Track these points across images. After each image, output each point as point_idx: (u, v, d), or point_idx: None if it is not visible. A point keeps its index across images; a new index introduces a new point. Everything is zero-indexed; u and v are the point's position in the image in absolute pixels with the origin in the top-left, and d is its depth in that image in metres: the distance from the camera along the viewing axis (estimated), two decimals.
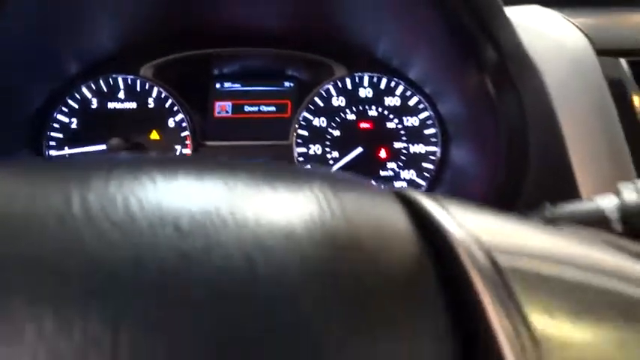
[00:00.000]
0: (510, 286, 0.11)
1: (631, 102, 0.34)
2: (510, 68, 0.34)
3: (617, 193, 0.23)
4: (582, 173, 0.31)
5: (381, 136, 0.52)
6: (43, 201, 0.10)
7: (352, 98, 0.52)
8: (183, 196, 0.11)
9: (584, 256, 0.12)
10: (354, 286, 0.10)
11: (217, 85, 0.54)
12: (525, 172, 0.31)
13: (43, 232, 0.10)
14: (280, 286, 0.10)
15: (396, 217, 0.12)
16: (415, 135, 0.52)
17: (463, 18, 0.31)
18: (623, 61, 0.36)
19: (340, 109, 0.52)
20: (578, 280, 0.11)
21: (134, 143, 0.50)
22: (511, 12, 0.36)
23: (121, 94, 0.51)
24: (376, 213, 0.12)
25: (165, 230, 0.10)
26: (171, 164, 0.12)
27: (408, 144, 0.52)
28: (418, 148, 0.52)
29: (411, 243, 0.11)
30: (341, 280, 0.10)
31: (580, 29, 0.37)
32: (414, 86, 0.51)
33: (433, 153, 0.51)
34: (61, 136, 0.50)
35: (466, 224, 0.12)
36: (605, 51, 0.36)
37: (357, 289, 0.10)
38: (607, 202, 0.23)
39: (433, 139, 0.52)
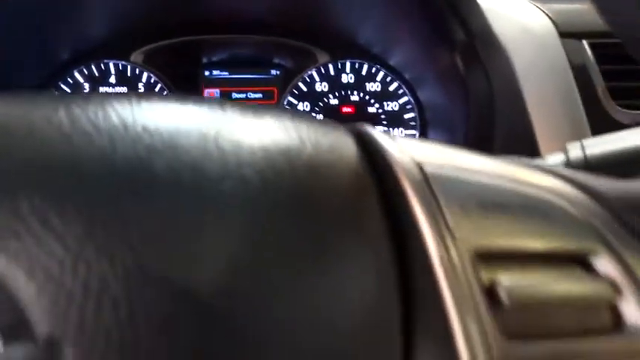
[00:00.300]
0: (433, 188, 0.13)
1: (591, 80, 0.37)
2: (478, 48, 0.36)
3: (565, 151, 0.25)
4: (544, 142, 0.34)
5: (362, 120, 0.54)
6: (37, 112, 0.12)
7: (335, 84, 0.54)
8: (156, 113, 0.13)
9: (498, 167, 0.14)
10: (305, 195, 0.12)
11: (206, 73, 0.55)
12: (492, 140, 0.33)
13: (36, 137, 0.11)
14: (238, 189, 0.12)
15: (346, 143, 0.14)
16: (395, 119, 0.54)
17: (436, 2, 0.33)
18: (585, 43, 0.38)
19: (323, 95, 0.54)
20: (488, 182, 0.13)
21: None
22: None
23: (112, 79, 0.53)
24: (329, 139, 0.14)
25: (135, 130, 0.12)
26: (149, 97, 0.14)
27: (388, 128, 0.54)
28: (397, 132, 0.54)
29: (357, 163, 0.13)
30: (293, 190, 0.12)
31: (546, 14, 0.40)
32: (394, 72, 0.54)
33: (412, 136, 0.54)
34: None
35: (406, 148, 0.14)
36: (568, 34, 0.38)
37: (308, 199, 0.12)
38: (554, 159, 0.25)
39: (412, 123, 0.54)
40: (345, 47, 0.54)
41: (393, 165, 0.13)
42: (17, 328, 0.10)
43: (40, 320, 0.09)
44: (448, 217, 0.12)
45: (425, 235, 0.12)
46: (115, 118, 0.12)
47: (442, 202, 0.12)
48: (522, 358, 0.11)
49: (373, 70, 0.54)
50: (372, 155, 0.14)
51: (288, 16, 0.51)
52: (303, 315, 0.11)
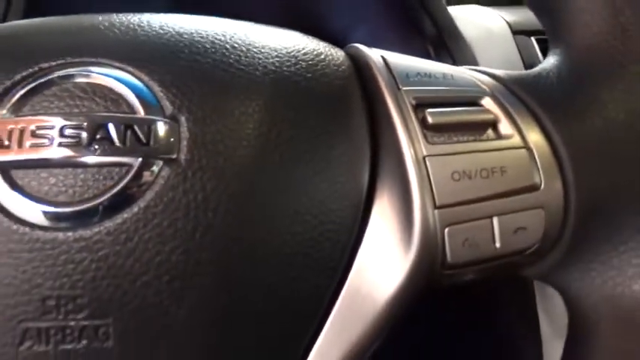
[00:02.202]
0: (391, 69, 0.21)
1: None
2: (446, 40, 0.45)
3: None
4: None
5: None
6: (85, 20, 0.20)
7: None
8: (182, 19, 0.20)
9: (441, 65, 0.22)
10: (302, 89, 0.20)
11: None
12: None
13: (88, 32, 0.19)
14: (252, 75, 0.19)
15: (336, 53, 0.22)
16: None
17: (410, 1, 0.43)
18: (532, 39, 0.47)
19: None
20: (428, 65, 0.21)
21: None
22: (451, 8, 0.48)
23: None
24: (326, 49, 0.22)
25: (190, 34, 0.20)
26: None
27: None
28: None
29: (343, 66, 0.21)
30: (292, 83, 0.20)
31: (502, 17, 0.49)
32: None
33: None
34: None
35: (385, 55, 0.22)
36: (519, 31, 0.47)
37: (302, 92, 0.20)
38: None
39: None
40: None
41: (368, 61, 0.21)
42: (155, 109, 0.17)
43: (166, 106, 0.17)
44: (398, 80, 0.20)
45: (386, 97, 0.20)
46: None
47: (395, 74, 0.20)
48: (440, 154, 0.19)
49: None
50: (355, 59, 0.22)
51: (286, 23, 0.60)
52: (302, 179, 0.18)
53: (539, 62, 0.48)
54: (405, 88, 0.20)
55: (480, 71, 0.22)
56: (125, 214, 0.16)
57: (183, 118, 0.17)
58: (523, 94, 0.20)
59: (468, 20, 0.47)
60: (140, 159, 0.16)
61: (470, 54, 0.45)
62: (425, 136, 0.19)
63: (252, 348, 0.17)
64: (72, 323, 0.16)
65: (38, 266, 0.16)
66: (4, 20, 0.45)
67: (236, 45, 0.19)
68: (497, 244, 0.19)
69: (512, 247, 0.19)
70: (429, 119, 0.19)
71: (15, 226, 0.16)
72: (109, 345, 0.16)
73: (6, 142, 0.16)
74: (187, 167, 0.17)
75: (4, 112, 0.17)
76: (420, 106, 0.20)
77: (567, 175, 0.19)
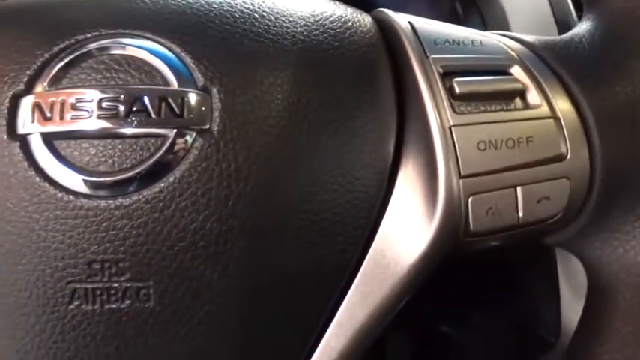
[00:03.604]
0: (419, 35, 0.21)
1: (568, 23, 0.44)
2: None
3: None
4: None
5: None
6: None
7: None
8: None
9: (471, 30, 0.22)
10: (330, 57, 0.20)
11: None
12: None
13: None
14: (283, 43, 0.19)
15: (364, 19, 0.22)
16: None
17: None
18: None
19: None
20: (456, 31, 0.21)
21: None
22: None
23: None
24: (354, 16, 0.22)
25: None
26: None
27: None
28: None
29: (371, 33, 0.21)
30: (321, 52, 0.20)
31: None
32: None
33: None
34: None
35: (413, 21, 0.22)
36: None
37: (330, 60, 0.20)
38: None
39: None
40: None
41: (395, 27, 0.21)
42: (187, 81, 0.18)
43: (198, 78, 0.18)
44: (426, 48, 0.20)
45: (413, 65, 0.20)
46: None
47: (423, 41, 0.20)
48: (466, 124, 0.19)
49: None
50: (383, 25, 0.22)
51: None
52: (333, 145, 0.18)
53: (574, 23, 0.46)
54: (432, 56, 0.20)
55: (509, 37, 0.22)
56: (162, 184, 0.17)
57: (214, 89, 0.17)
58: (553, 62, 0.20)
59: None
60: (175, 130, 0.17)
61: (501, 13, 0.44)
62: (452, 106, 0.19)
63: (280, 310, 0.18)
64: (116, 285, 0.17)
65: (83, 232, 0.17)
66: None
67: (264, 13, 0.19)
68: (520, 214, 0.19)
69: (535, 216, 0.19)
70: (457, 88, 0.19)
71: (60, 194, 0.17)
72: (150, 305, 0.17)
73: (48, 114, 0.17)
74: (219, 138, 0.17)
75: (45, 84, 0.18)
76: (448, 74, 0.20)
77: (594, 145, 0.19)
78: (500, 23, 0.46)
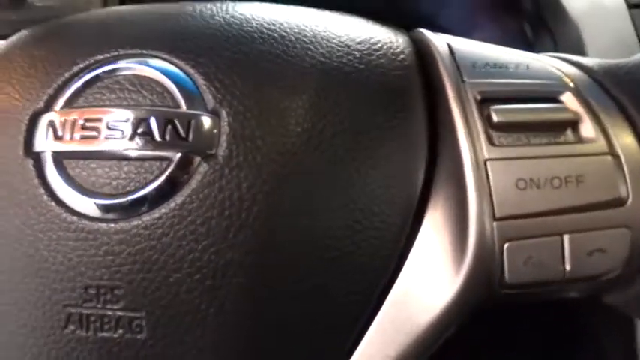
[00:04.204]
0: (455, 57, 0.18)
1: None
2: (546, 17, 0.40)
3: None
4: None
5: None
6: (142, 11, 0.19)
7: None
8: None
9: (515, 52, 0.19)
10: (352, 81, 0.18)
11: None
12: None
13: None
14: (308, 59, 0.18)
15: (398, 40, 0.20)
16: None
17: None
18: None
19: None
20: (498, 53, 0.19)
21: None
22: None
23: None
24: (382, 35, 0.20)
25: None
26: None
27: None
28: None
29: (403, 55, 0.19)
30: (342, 75, 0.18)
31: None
32: None
33: None
34: None
35: (451, 42, 0.20)
36: (636, 4, 0.41)
37: (352, 84, 0.18)
38: None
39: None
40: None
41: (431, 48, 0.19)
42: (198, 103, 0.17)
43: (209, 100, 0.17)
44: (463, 71, 0.18)
45: (447, 91, 0.18)
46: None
47: (460, 64, 0.18)
48: (503, 158, 0.17)
49: None
50: (420, 47, 0.20)
51: (374, 4, 0.58)
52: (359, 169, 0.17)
53: None
54: (469, 81, 0.18)
55: (565, 60, 0.19)
56: (163, 209, 0.16)
57: (224, 112, 0.17)
58: (615, 89, 0.17)
59: None
60: (179, 154, 0.16)
61: (575, 33, 0.40)
62: (488, 137, 0.17)
63: (283, 354, 0.17)
64: (109, 312, 0.16)
65: (82, 255, 0.16)
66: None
67: (285, 34, 0.18)
68: (567, 266, 0.16)
69: (586, 271, 0.16)
70: (494, 117, 0.17)
71: (65, 215, 0.17)
72: (142, 337, 0.16)
73: (60, 133, 0.17)
74: (225, 164, 0.16)
75: (62, 103, 0.18)
76: (487, 101, 0.17)
77: None
78: (574, 46, 0.42)
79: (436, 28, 0.21)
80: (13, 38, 0.21)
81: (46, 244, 0.16)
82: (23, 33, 0.21)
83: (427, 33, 0.20)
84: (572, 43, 0.42)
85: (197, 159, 0.16)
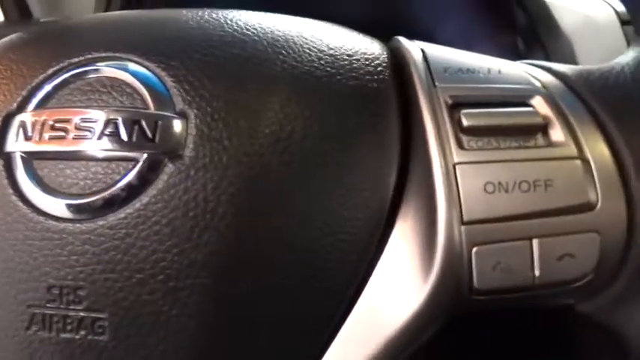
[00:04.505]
0: (428, 61, 0.18)
1: None
2: (539, 30, 0.40)
3: None
4: None
5: None
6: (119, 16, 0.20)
7: None
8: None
9: (488, 58, 0.19)
10: (323, 85, 0.18)
11: None
12: None
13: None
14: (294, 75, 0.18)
15: (373, 47, 0.20)
16: None
17: None
18: None
19: None
20: (470, 58, 0.19)
21: None
22: None
23: None
24: (356, 42, 0.20)
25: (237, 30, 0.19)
26: None
27: None
28: None
29: (377, 61, 0.19)
30: (313, 79, 0.18)
31: (609, 4, 0.43)
32: None
33: None
34: None
35: (425, 48, 0.20)
36: (629, 21, 0.41)
37: (323, 89, 0.18)
38: None
39: None
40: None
41: (405, 55, 0.19)
42: (167, 105, 0.17)
43: (177, 102, 0.17)
44: (435, 76, 0.18)
45: (419, 95, 0.18)
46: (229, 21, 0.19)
47: (432, 69, 0.18)
48: (472, 162, 0.17)
49: None
50: (397, 55, 0.20)
51: (372, 20, 0.58)
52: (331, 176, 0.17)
53: None
54: (441, 85, 0.18)
55: (539, 66, 0.19)
56: (128, 209, 0.16)
57: (192, 114, 0.17)
58: (586, 94, 0.17)
59: (567, 8, 0.42)
60: (145, 154, 0.16)
61: (567, 47, 0.40)
62: (458, 141, 0.17)
63: (248, 357, 0.16)
64: (72, 313, 0.16)
65: (47, 255, 0.16)
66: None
67: (257, 38, 0.18)
68: (537, 272, 0.16)
69: (556, 276, 0.16)
70: (464, 121, 0.17)
71: (32, 214, 0.17)
72: (104, 338, 0.16)
73: (30, 134, 0.17)
74: (190, 164, 0.16)
75: (35, 104, 0.18)
76: (458, 105, 0.17)
77: (634, 194, 0.16)
78: (567, 61, 0.42)
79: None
80: None
81: (12, 244, 0.16)
82: (3, 39, 0.21)
83: (403, 40, 0.20)
84: (565, 58, 0.42)
85: (164, 160, 0.16)
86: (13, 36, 0.21)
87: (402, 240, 0.17)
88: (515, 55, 0.42)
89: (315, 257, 0.16)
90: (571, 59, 0.41)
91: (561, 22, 0.41)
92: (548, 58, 0.41)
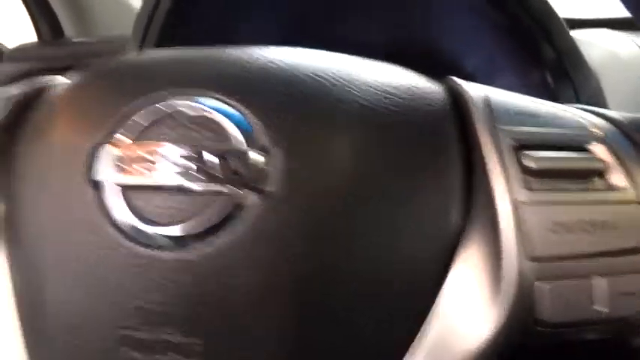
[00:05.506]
0: (493, 112, 0.20)
1: None
2: (566, 64, 0.42)
3: None
4: None
5: None
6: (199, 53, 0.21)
7: None
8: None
9: (545, 102, 0.21)
10: (392, 125, 0.19)
11: None
12: None
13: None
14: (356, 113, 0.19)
15: (433, 88, 0.22)
16: None
17: (523, 21, 0.40)
18: None
19: None
20: (527, 102, 0.20)
21: None
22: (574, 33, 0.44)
23: None
24: (425, 85, 0.22)
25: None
26: None
27: None
28: None
29: (439, 102, 0.21)
30: (384, 120, 0.19)
31: (635, 42, 0.44)
32: None
33: None
34: None
35: (485, 90, 0.21)
36: None
37: (393, 129, 0.19)
38: None
39: None
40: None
41: (465, 96, 0.20)
42: (252, 141, 0.18)
43: (260, 137, 0.18)
44: (497, 118, 0.19)
45: (482, 136, 0.19)
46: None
47: (495, 111, 0.19)
48: (539, 201, 0.18)
49: None
50: (454, 94, 0.21)
51: (399, 47, 0.60)
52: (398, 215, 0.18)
53: None
54: (504, 127, 0.19)
55: (592, 112, 0.20)
56: (217, 241, 0.17)
57: (275, 150, 0.18)
58: None
59: (594, 45, 0.43)
60: (231, 188, 0.17)
61: (595, 83, 0.42)
62: (523, 181, 0.18)
63: None
64: (162, 336, 0.17)
65: (138, 281, 0.17)
66: (140, 47, 0.50)
67: (330, 76, 0.20)
68: (597, 308, 0.17)
69: (617, 312, 0.17)
70: (530, 163, 0.18)
71: (125, 242, 0.18)
72: None
73: (122, 165, 0.18)
74: (275, 199, 0.17)
75: (122, 136, 0.19)
76: (520, 147, 0.19)
77: None
78: (594, 95, 0.43)
79: (460, 76, 0.22)
80: (80, 74, 0.22)
81: (104, 269, 0.18)
82: (89, 70, 0.22)
83: (460, 81, 0.21)
84: (592, 92, 0.43)
85: (248, 193, 0.17)
86: (96, 66, 0.22)
87: (468, 271, 0.18)
88: (545, 89, 0.43)
89: (390, 290, 0.17)
90: (598, 94, 0.43)
91: (588, 58, 0.42)
92: (576, 93, 0.42)
